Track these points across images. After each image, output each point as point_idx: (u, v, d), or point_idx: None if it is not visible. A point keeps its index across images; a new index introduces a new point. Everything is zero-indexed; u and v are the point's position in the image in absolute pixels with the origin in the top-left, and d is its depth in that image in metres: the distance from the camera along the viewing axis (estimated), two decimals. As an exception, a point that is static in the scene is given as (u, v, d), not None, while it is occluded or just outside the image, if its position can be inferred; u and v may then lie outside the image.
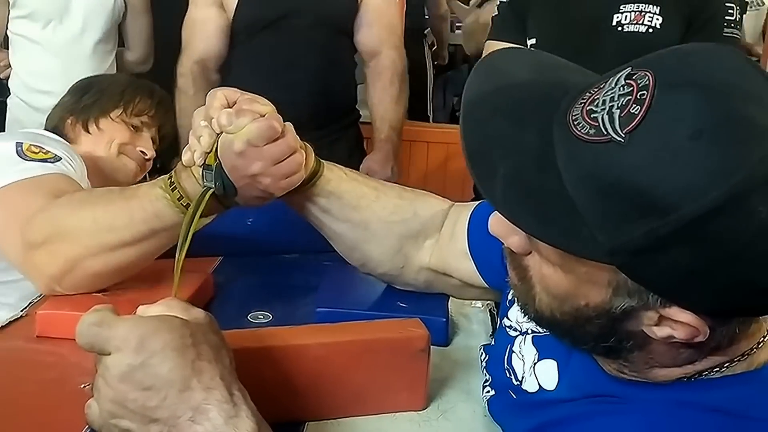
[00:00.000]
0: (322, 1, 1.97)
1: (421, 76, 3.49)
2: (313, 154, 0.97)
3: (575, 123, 0.56)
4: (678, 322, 0.57)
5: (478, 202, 1.01)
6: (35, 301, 1.06)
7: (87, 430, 0.74)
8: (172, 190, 0.91)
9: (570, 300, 0.62)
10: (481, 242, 0.96)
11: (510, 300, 0.87)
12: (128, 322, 0.61)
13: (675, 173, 0.51)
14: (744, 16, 2.17)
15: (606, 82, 0.57)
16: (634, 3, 1.65)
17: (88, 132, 1.46)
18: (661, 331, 0.59)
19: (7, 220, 1.10)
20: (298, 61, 1.95)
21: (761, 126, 0.51)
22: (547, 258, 0.62)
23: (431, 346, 0.84)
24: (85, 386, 0.64)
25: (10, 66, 2.33)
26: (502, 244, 0.67)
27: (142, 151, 1.49)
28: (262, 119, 0.87)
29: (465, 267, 0.99)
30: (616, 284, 0.58)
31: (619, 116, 0.53)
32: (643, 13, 1.64)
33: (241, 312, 1.07)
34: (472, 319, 1.11)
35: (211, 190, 0.88)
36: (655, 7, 1.64)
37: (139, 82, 1.61)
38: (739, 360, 0.63)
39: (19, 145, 1.22)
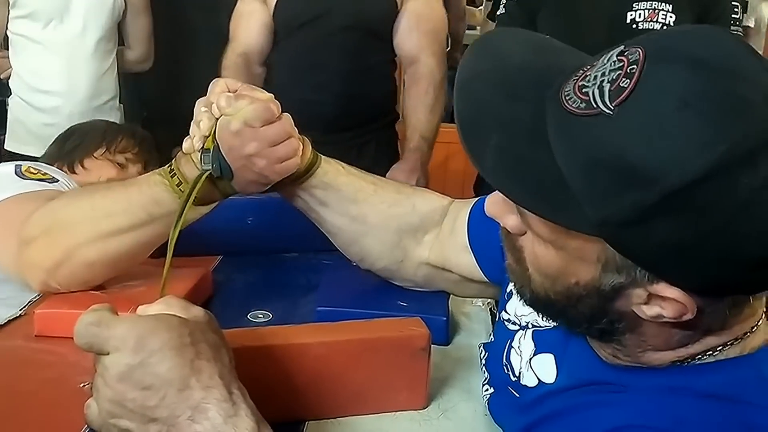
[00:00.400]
0: (359, 3, 1.95)
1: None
2: (311, 147, 0.98)
3: (567, 98, 0.57)
4: (666, 300, 0.58)
5: (478, 198, 1.01)
6: (34, 300, 1.06)
7: (86, 430, 0.73)
8: (171, 176, 0.93)
9: (561, 278, 0.63)
10: (481, 236, 0.97)
11: (508, 293, 0.87)
12: (126, 321, 0.61)
13: (661, 144, 0.51)
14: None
15: (599, 60, 0.58)
16: (647, 1, 1.66)
17: (75, 173, 1.47)
18: (650, 310, 0.59)
19: (2, 228, 1.09)
20: (329, 61, 1.95)
21: (749, 101, 0.51)
22: (539, 234, 0.62)
23: (432, 345, 0.83)
24: (84, 385, 0.64)
25: (10, 66, 2.33)
26: (499, 226, 0.68)
27: None
28: (259, 102, 0.90)
29: (465, 261, 0.99)
30: (605, 260, 0.58)
31: (609, 90, 0.54)
32: (656, 11, 1.65)
33: (241, 311, 1.07)
34: (472, 318, 1.11)
35: (208, 172, 0.90)
36: (667, 5, 1.65)
37: (119, 125, 1.64)
38: (732, 344, 0.63)
39: (18, 167, 1.23)
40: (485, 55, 0.65)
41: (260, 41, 1.99)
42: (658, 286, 0.57)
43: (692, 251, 0.53)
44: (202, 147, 0.91)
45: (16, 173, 1.21)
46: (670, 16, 1.65)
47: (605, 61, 0.56)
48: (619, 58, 0.56)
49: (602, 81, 0.55)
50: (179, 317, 0.63)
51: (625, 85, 0.53)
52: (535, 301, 0.68)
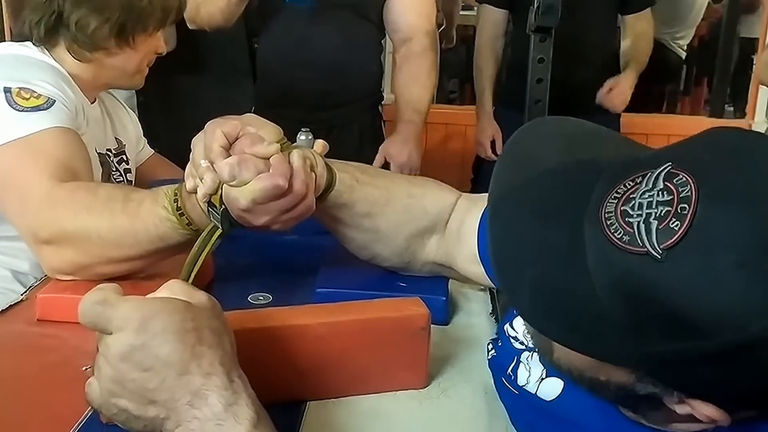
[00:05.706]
0: None
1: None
2: (327, 169, 0.93)
3: (608, 224, 0.54)
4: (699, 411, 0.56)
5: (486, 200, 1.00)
6: (35, 285, 1.06)
7: (89, 413, 0.74)
8: (180, 215, 0.91)
9: (591, 372, 0.60)
10: None
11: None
12: (131, 302, 0.62)
13: (714, 300, 0.49)
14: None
15: (644, 178, 0.54)
16: None
17: (121, 50, 1.31)
18: (682, 409, 0.57)
19: (7, 190, 1.08)
20: (315, 38, 1.95)
21: None
22: None
23: (431, 325, 0.84)
24: (86, 369, 0.64)
25: None
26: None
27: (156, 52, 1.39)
28: (267, 177, 0.83)
29: (474, 270, 0.99)
30: (641, 375, 0.56)
31: (657, 228, 0.51)
32: None
33: (241, 293, 1.07)
34: (471, 298, 1.11)
35: (219, 230, 0.87)
36: None
37: None
38: None
39: (7, 90, 1.13)
40: (516, 165, 0.62)
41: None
42: (694, 402, 0.55)
43: (735, 389, 0.52)
44: (209, 201, 0.86)
45: (7, 101, 1.11)
46: None
47: (650, 185, 0.53)
48: (666, 185, 0.52)
49: (648, 214, 0.52)
50: (184, 301, 0.63)
51: (676, 228, 0.50)
52: (555, 370, 0.66)
